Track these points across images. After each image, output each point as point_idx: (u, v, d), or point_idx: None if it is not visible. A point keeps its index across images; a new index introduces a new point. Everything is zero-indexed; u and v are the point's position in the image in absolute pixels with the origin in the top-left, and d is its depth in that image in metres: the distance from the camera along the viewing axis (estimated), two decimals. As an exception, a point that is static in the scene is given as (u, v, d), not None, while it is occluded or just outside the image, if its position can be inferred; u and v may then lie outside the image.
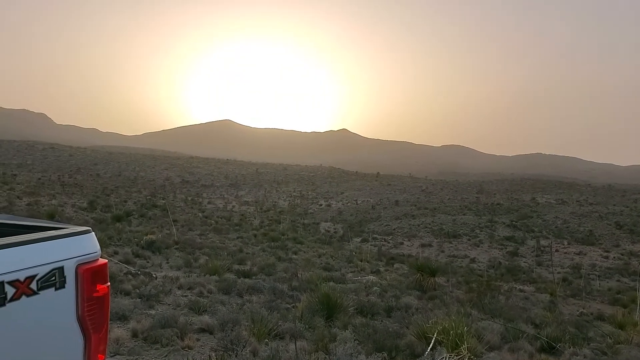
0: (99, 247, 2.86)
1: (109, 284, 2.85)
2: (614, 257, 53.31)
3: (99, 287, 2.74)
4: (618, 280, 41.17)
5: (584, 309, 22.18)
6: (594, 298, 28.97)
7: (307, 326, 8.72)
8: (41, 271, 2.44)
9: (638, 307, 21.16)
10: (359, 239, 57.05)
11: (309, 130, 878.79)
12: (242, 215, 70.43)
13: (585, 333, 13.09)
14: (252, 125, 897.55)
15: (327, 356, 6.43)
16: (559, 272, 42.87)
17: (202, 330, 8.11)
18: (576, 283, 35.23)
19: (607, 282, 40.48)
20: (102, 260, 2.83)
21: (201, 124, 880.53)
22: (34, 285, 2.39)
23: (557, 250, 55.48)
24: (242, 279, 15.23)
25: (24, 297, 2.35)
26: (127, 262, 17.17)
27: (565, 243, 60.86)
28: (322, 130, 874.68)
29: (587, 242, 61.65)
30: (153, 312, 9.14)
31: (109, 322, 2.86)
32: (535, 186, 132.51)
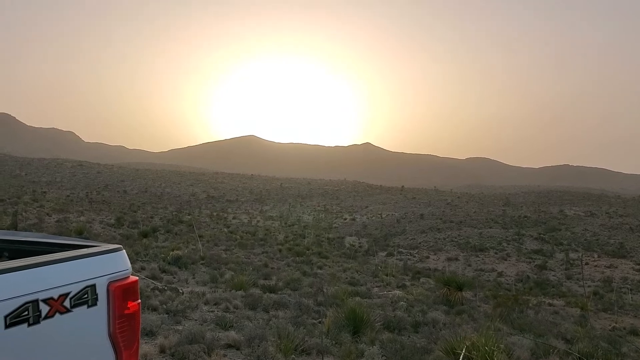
0: (129, 264, 2.91)
1: (139, 301, 2.89)
2: (647, 270, 51.96)
3: (130, 304, 2.78)
4: (651, 294, 40.08)
5: (616, 323, 21.65)
6: (627, 312, 28.24)
7: (333, 342, 8.68)
8: (74, 289, 2.49)
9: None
10: (384, 253, 56.70)
11: (332, 145, 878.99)
12: (267, 230, 70.65)
13: (618, 348, 12.75)
14: (276, 141, 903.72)
15: (354, 372, 6.38)
16: (589, 286, 41.91)
17: (229, 346, 8.11)
18: (607, 297, 34.40)
19: (640, 296, 39.46)
20: (133, 278, 2.88)
21: (226, 139, 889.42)
22: (67, 303, 2.44)
23: (587, 264, 54.28)
24: (267, 294, 15.22)
25: (57, 314, 2.40)
26: (154, 277, 17.34)
27: (595, 256, 59.56)
28: (345, 145, 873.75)
29: (618, 254, 60.23)
30: (180, 327, 9.19)
31: (139, 339, 2.90)
32: (563, 198, 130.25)
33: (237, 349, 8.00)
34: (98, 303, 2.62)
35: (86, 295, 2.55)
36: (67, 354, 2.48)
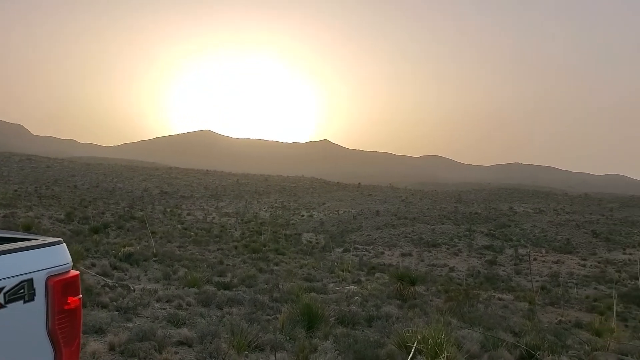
0: (70, 258, 2.79)
1: (81, 296, 2.78)
2: (591, 265, 54.09)
3: (70, 299, 2.67)
4: (595, 288, 41.71)
5: (562, 316, 22.40)
6: (572, 306, 29.30)
7: (287, 337, 8.65)
8: (8, 283, 2.37)
9: (614, 314, 21.50)
10: (340, 249, 57.04)
11: (290, 141, 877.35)
12: (223, 226, 69.99)
13: (563, 341, 13.21)
14: (233, 136, 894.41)
15: (307, 367, 6.37)
16: (537, 281, 43.29)
17: (181, 343, 7.99)
18: (554, 291, 35.62)
19: (585, 290, 41.01)
20: (73, 272, 2.76)
21: (180, 134, 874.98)
22: (0, 298, 2.32)
23: (535, 259, 56.07)
24: (222, 291, 15.05)
25: None
26: (105, 274, 16.91)
27: (543, 252, 61.59)
28: (303, 141, 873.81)
29: (565, 250, 62.47)
30: (131, 325, 8.99)
31: (81, 335, 2.79)
32: (513, 195, 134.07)
33: (189, 346, 7.88)
34: (35, 298, 2.50)
35: (22, 290, 2.43)
36: (2, 352, 2.36)
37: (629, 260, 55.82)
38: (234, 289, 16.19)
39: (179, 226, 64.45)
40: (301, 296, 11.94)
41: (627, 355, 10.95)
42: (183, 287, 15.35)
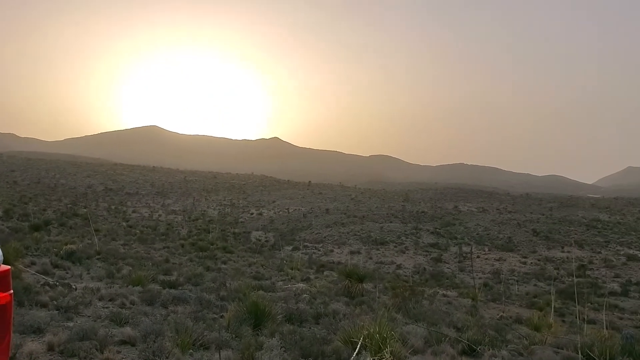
0: (0, 253, 2.68)
1: (11, 291, 2.67)
2: (531, 263, 56.12)
3: (0, 295, 2.56)
4: (535, 285, 43.32)
5: (503, 312, 23.11)
6: (513, 302, 30.30)
7: (234, 335, 8.60)
8: None
9: (552, 310, 22.39)
10: (290, 247, 57.03)
11: (239, 138, 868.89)
12: (169, 224, 68.75)
13: (504, 335, 13.65)
14: (181, 132, 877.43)
15: (252, 364, 6.35)
16: (480, 278, 44.59)
17: (124, 342, 7.83)
18: (496, 288, 36.74)
19: (525, 286, 42.51)
20: (4, 267, 2.65)
21: (126, 129, 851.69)
22: None
23: (478, 257, 57.75)
24: (167, 289, 14.81)
25: None
26: (45, 272, 16.32)
27: (486, 249, 63.45)
28: (253, 139, 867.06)
29: (507, 248, 64.56)
30: (71, 324, 8.74)
31: (11, 333, 2.69)
32: (458, 195, 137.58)
33: (132, 345, 7.74)
34: None
35: None
36: None
37: (567, 258, 58.25)
38: (180, 288, 15.96)
39: (124, 224, 62.90)
40: (248, 294, 11.88)
41: (562, 349, 11.41)
42: (127, 286, 15.04)
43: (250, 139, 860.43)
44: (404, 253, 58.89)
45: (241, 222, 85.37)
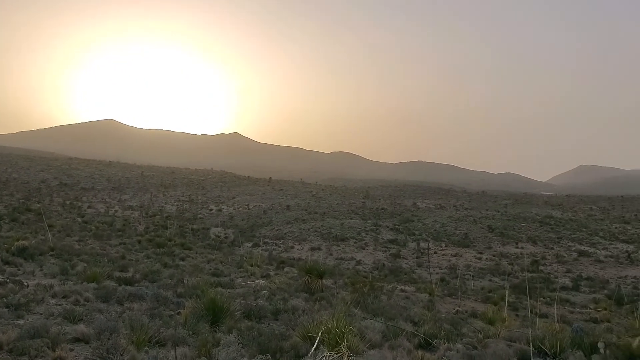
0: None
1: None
2: (487, 258, 57.41)
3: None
4: (490, 280, 44.35)
5: (459, 307, 23.62)
6: (469, 297, 30.97)
7: (190, 332, 8.51)
8: None
9: (506, 304, 23.00)
10: (250, 244, 56.73)
11: (199, 133, 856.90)
12: (126, 220, 67.37)
13: (459, 329, 13.96)
14: (138, 126, 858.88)
15: (209, 361, 6.30)
16: (437, 273, 45.39)
17: (77, 340, 7.67)
18: (453, 283, 37.46)
19: (480, 281, 43.49)
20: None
21: (82, 123, 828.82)
22: None
23: (435, 252, 58.74)
24: (123, 286, 14.55)
25: None
26: (-6, 270, 15.78)
27: (443, 245, 64.57)
28: (213, 133, 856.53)
29: (463, 244, 65.86)
30: (21, 322, 8.50)
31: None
32: (417, 192, 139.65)
33: (85, 343, 7.59)
34: None
35: None
36: None
37: (521, 253, 59.84)
38: (136, 285, 15.72)
39: (79, 219, 61.32)
40: (206, 291, 11.78)
41: (515, 342, 11.73)
42: (81, 283, 14.75)
43: (209, 134, 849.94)
44: (364, 249, 59.38)
45: (200, 218, 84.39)
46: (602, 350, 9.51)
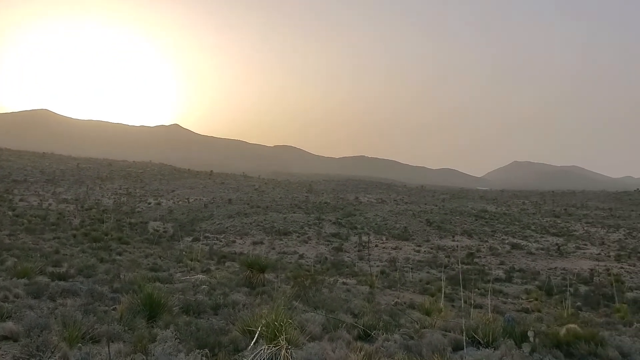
0: None
1: None
2: (425, 251, 58.91)
3: None
4: (428, 272, 45.58)
5: (398, 298, 24.15)
6: (407, 288, 31.73)
7: (126, 328, 8.31)
8: None
9: (442, 295, 23.68)
10: (190, 238, 55.87)
11: (137, 124, 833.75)
12: (60, 214, 64.88)
13: (397, 320, 14.26)
14: (74, 117, 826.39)
15: (145, 357, 6.18)
16: (377, 266, 46.19)
17: (5, 338, 7.36)
18: (392, 275, 38.26)
19: (419, 273, 44.61)
20: None
21: (13, 112, 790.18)
22: None
23: (376, 246, 59.75)
24: (56, 281, 14.03)
25: None
26: None
27: (384, 239, 65.76)
28: (152, 125, 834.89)
29: (402, 237, 67.28)
30: (-58, 321, 8.04)
31: None
32: (359, 187, 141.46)
33: (14, 341, 7.29)
34: None
35: None
36: None
37: (457, 246, 61.74)
38: (71, 280, 15.19)
39: (10, 213, 58.54)
40: (144, 286, 11.51)
41: (450, 332, 12.09)
42: (11, 278, 14.12)
43: (148, 125, 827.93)
44: (307, 243, 59.65)
45: (138, 212, 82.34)
46: (531, 339, 9.94)
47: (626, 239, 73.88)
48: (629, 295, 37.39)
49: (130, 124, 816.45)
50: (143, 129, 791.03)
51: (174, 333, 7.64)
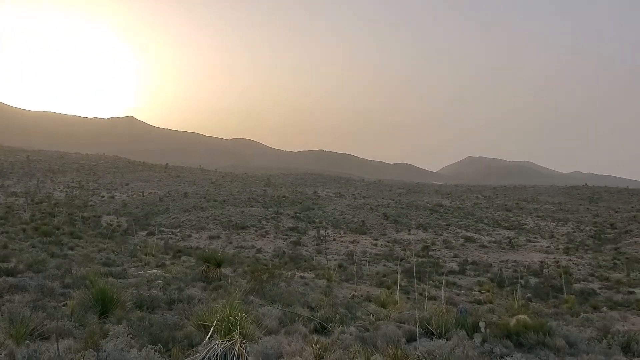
0: None
1: None
2: (382, 245, 59.65)
3: None
4: (384, 265, 46.22)
5: (355, 291, 24.40)
6: (365, 281, 32.10)
7: (77, 324, 8.11)
8: None
9: (398, 288, 24.05)
10: (144, 233, 54.92)
11: (90, 116, 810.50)
12: (9, 207, 62.67)
13: (353, 313, 14.45)
14: (23, 107, 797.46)
15: (96, 353, 6.05)
16: (335, 259, 46.51)
17: (-53, 337, 7.03)
18: (350, 268, 38.60)
19: (376, 266, 45.19)
20: None
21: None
22: None
23: (334, 240, 60.11)
24: (3, 277, 13.58)
25: None
26: None
27: (342, 232, 66.21)
28: (106, 117, 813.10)
29: (360, 231, 67.91)
30: None
31: None
32: (317, 181, 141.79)
33: (-44, 340, 6.97)
34: None
35: None
36: None
37: (413, 239, 62.75)
38: (19, 275, 14.74)
39: (-47, 207, 56.18)
40: (96, 281, 11.26)
41: (405, 323, 12.31)
42: (-47, 275, 13.54)
43: (102, 117, 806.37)
44: (265, 237, 59.48)
45: (91, 205, 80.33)
46: (483, 330, 10.25)
47: (574, 232, 76.67)
48: (577, 286, 38.91)
49: (83, 116, 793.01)
50: (96, 120, 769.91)
51: (127, 329, 7.52)
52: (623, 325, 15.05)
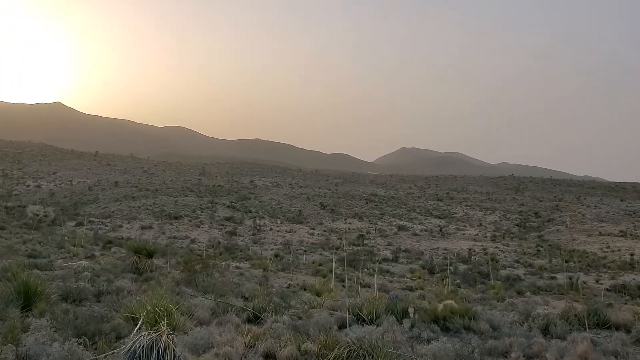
0: None
1: None
2: (318, 234, 60.19)
3: None
4: (321, 254, 46.68)
5: (291, 280, 24.54)
6: (301, 270, 32.32)
7: (-3, 319, 7.75)
8: None
9: (333, 276, 24.39)
10: (73, 223, 52.94)
11: (15, 102, 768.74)
12: None
13: (288, 302, 14.54)
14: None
15: (15, 348, 5.81)
16: (272, 249, 46.53)
17: None
18: (286, 258, 38.75)
19: (312, 255, 45.57)
20: None
21: None
22: None
23: (271, 229, 60.09)
24: None
25: None
26: None
27: (279, 222, 66.27)
28: (31, 103, 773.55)
29: (297, 221, 68.20)
30: None
31: None
32: (254, 170, 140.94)
33: None
34: None
35: None
36: None
37: (349, 229, 63.68)
38: None
39: None
40: (19, 273, 10.77)
41: (337, 311, 12.51)
42: None
43: (28, 102, 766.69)
44: (199, 227, 58.62)
45: (15, 195, 76.50)
46: (412, 315, 10.59)
47: (501, 220, 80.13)
48: (503, 272, 40.79)
49: (6, 101, 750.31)
50: (21, 106, 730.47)
51: (50, 322, 7.25)
52: (544, 309, 15.88)
